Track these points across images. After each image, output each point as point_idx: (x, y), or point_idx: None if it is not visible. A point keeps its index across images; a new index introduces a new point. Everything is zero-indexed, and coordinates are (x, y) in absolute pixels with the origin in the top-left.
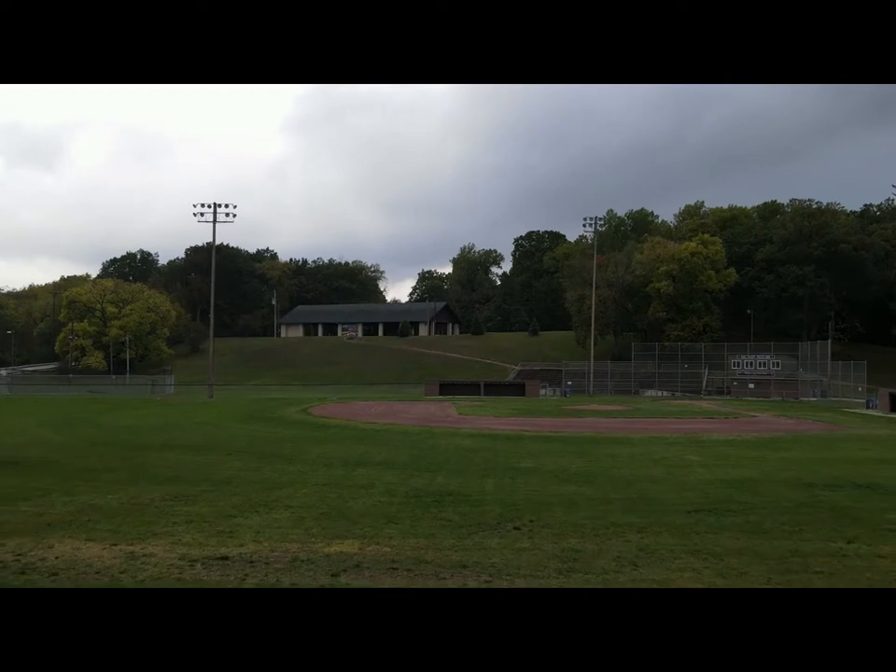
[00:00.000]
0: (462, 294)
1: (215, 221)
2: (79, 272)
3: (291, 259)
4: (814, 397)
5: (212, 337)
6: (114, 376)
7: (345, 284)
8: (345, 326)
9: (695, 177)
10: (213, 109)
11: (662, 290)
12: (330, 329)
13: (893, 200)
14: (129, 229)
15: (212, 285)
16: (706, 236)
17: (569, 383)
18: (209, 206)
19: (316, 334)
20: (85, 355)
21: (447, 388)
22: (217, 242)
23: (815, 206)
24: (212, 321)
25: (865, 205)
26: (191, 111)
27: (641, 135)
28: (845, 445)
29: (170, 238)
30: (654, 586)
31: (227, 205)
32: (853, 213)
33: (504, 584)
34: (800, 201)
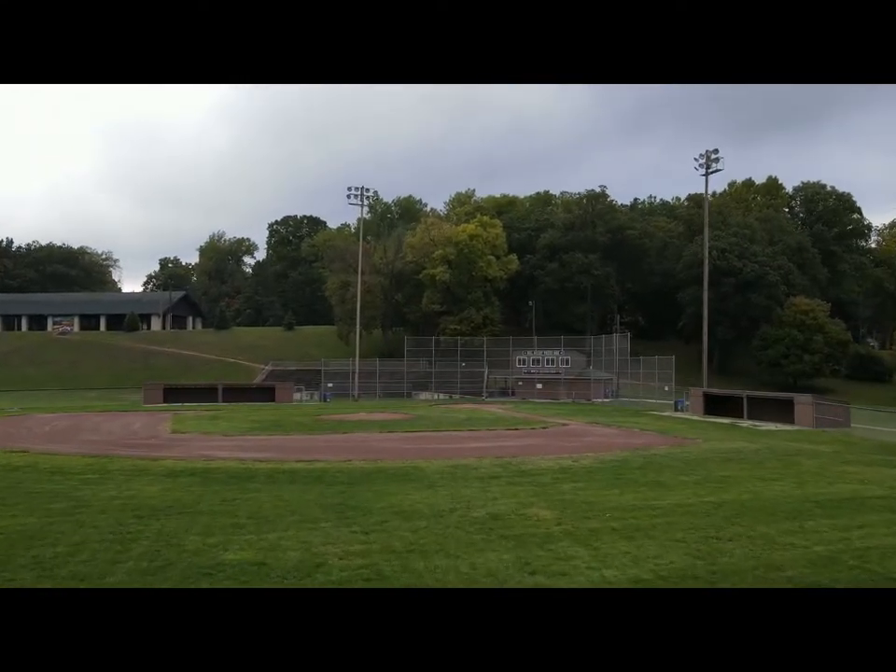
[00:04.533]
0: (210, 286)
1: None
2: None
3: None
4: (606, 397)
5: None
6: None
7: (62, 269)
8: (58, 318)
9: (465, 177)
10: None
11: (437, 278)
12: (38, 322)
13: (656, 197)
14: None
15: None
16: (485, 218)
17: (330, 385)
18: None
19: (19, 328)
20: None
21: (175, 394)
22: None
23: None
24: None
25: (634, 199)
26: None
27: (412, 137)
28: (731, 473)
29: None
30: None
31: None
32: (624, 206)
33: None
34: (570, 194)
